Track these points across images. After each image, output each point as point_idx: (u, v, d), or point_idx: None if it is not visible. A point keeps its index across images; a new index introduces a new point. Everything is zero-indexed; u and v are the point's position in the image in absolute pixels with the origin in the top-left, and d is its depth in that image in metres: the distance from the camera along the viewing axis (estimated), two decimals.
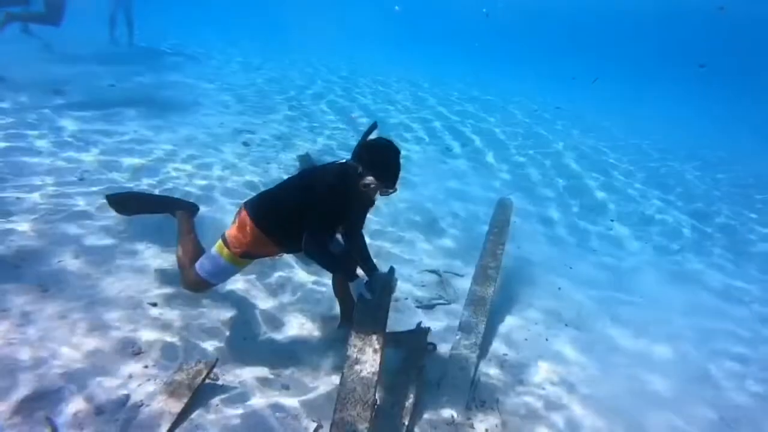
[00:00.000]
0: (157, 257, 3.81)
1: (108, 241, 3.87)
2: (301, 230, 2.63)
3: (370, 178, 2.48)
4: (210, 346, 3.09)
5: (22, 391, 2.45)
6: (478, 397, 3.09)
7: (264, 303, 3.65)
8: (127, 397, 2.59)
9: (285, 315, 3.57)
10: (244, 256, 2.90)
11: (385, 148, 2.55)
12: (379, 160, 2.51)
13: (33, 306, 3.04)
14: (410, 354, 3.12)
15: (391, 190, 2.56)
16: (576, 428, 3.00)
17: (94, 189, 4.64)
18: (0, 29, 7.45)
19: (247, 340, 3.24)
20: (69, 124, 6.23)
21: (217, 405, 2.67)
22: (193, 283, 3.02)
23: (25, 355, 2.68)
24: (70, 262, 3.52)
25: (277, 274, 3.99)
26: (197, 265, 2.99)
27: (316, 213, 2.60)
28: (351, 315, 2.96)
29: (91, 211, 4.22)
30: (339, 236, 3.12)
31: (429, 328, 3.34)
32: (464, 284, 4.22)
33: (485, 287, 3.90)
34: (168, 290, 3.48)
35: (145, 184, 5.00)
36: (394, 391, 2.87)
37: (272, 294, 3.78)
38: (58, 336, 2.86)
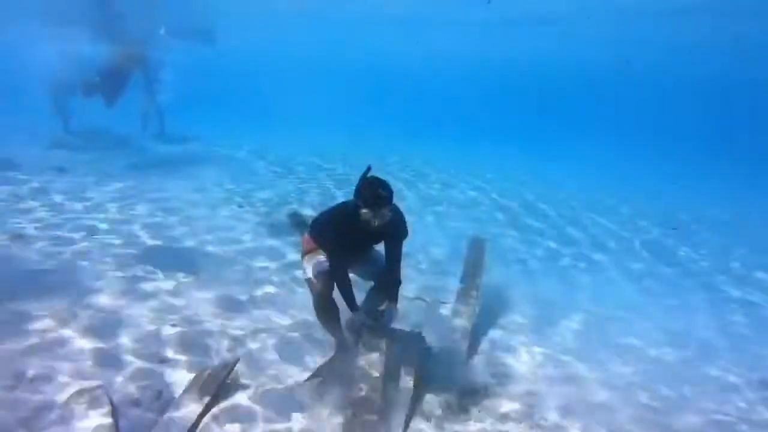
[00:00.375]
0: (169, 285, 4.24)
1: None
2: None
3: (365, 210, 2.92)
4: (229, 352, 3.47)
5: (71, 386, 2.81)
6: (468, 387, 3.47)
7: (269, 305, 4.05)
8: (160, 393, 2.93)
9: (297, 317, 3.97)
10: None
11: (373, 182, 3.05)
12: (364, 192, 2.94)
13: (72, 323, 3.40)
14: (406, 350, 3.53)
15: (380, 219, 2.93)
16: (551, 403, 3.40)
17: (104, 242, 5.12)
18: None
19: (263, 347, 3.62)
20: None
21: (237, 402, 3.00)
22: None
23: (73, 363, 3.02)
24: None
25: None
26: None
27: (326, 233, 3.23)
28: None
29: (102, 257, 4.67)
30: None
31: (420, 332, 3.78)
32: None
33: (473, 290, 4.44)
34: (186, 312, 3.93)
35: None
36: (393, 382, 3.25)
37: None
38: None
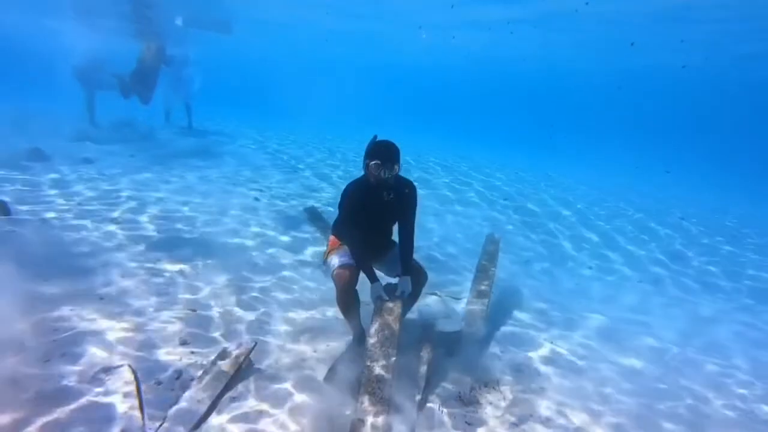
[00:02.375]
0: (187, 271, 4.36)
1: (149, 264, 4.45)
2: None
3: (374, 162, 3.10)
4: (246, 337, 3.57)
5: (97, 364, 2.93)
6: (480, 380, 3.51)
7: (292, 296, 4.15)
8: (179, 373, 3.04)
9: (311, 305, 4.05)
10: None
11: (377, 140, 3.22)
12: (371, 147, 3.18)
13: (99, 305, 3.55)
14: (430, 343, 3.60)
15: (388, 170, 3.07)
16: (561, 398, 3.41)
17: (127, 229, 5.29)
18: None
19: (276, 333, 3.72)
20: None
21: (253, 383, 3.10)
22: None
23: (99, 343, 3.16)
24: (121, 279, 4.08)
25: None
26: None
27: (340, 207, 3.36)
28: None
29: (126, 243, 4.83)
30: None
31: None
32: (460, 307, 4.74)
33: (485, 285, 4.47)
34: (204, 298, 4.04)
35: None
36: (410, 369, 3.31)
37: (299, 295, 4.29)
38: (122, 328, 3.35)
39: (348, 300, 3.35)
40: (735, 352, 4.63)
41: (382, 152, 3.12)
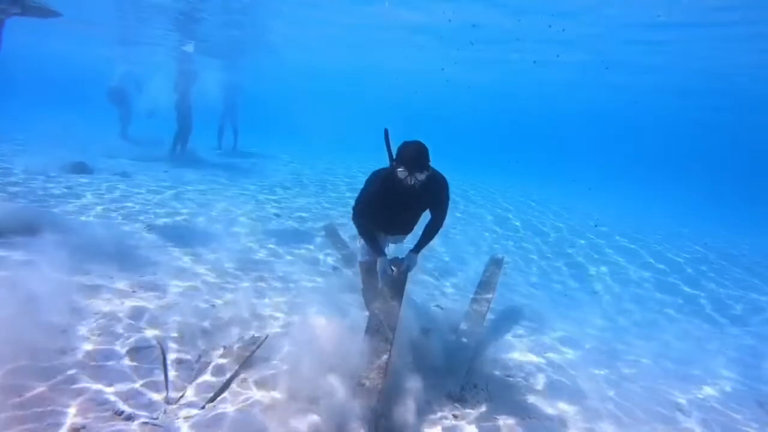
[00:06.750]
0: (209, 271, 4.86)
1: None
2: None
3: (401, 169, 3.00)
4: (260, 330, 3.99)
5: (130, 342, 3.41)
6: (470, 381, 3.78)
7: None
8: (199, 356, 3.45)
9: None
10: None
11: (411, 144, 3.05)
12: (401, 152, 3.04)
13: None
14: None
15: (413, 176, 2.97)
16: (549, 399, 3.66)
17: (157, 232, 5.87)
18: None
19: (287, 327, 4.12)
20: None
21: (263, 368, 3.47)
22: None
23: (133, 321, 3.65)
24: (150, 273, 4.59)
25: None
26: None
27: (362, 191, 3.40)
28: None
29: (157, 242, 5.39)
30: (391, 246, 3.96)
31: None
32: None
33: (485, 299, 4.79)
34: (224, 293, 4.53)
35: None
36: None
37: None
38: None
39: (369, 289, 3.73)
40: None
41: (411, 159, 2.97)
